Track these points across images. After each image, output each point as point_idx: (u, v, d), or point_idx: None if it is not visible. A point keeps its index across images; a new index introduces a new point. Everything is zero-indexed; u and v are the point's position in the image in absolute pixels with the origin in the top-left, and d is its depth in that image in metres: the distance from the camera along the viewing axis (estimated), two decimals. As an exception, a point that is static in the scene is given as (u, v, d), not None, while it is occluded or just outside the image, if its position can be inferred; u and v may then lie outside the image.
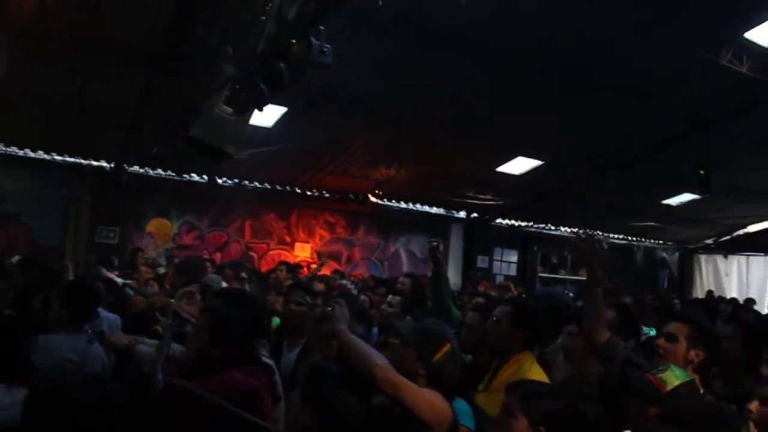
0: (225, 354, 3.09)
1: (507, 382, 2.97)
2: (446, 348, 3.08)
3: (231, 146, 6.49)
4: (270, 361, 3.72)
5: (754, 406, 2.66)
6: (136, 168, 12.09)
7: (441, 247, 5.23)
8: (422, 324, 3.28)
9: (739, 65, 8.45)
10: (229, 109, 6.03)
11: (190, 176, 12.64)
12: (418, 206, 15.39)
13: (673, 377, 2.71)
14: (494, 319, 3.93)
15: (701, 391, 2.98)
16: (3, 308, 6.64)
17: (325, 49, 4.42)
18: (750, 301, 14.20)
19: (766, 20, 7.91)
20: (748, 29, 8.08)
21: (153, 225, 13.29)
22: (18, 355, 3.18)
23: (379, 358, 2.80)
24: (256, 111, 5.97)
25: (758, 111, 9.63)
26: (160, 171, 12.33)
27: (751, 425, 2.84)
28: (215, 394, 2.65)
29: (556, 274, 18.33)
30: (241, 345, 3.18)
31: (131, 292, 6.42)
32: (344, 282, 8.10)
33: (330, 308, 2.94)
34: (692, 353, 3.33)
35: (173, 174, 12.40)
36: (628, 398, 2.83)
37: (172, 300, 4.93)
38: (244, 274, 8.36)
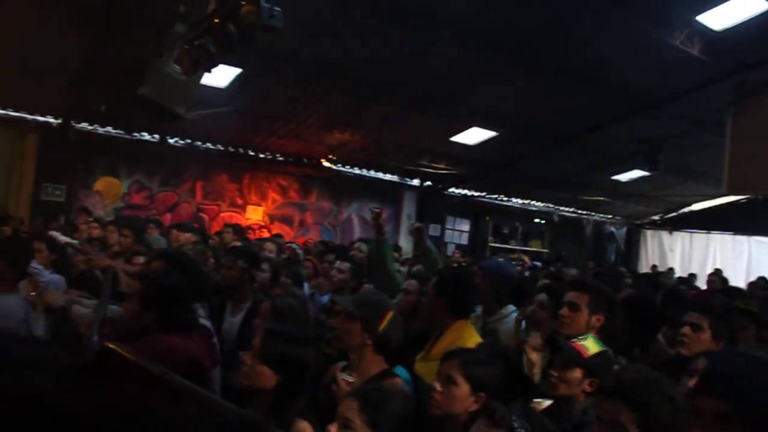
0: (158, 320, 3.07)
1: (445, 351, 3.03)
2: (389, 316, 3.19)
3: (181, 106, 6.42)
4: (207, 323, 3.71)
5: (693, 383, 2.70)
6: (84, 125, 11.80)
7: (384, 215, 5.26)
8: (363, 296, 3.37)
9: (690, 47, 8.61)
10: (179, 69, 5.94)
11: (141, 135, 12.38)
12: (372, 173, 15.38)
13: (593, 345, 2.93)
14: (425, 290, 4.02)
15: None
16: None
17: (275, 12, 4.36)
18: (692, 277, 14.58)
19: (717, 5, 8.09)
20: (701, 13, 8.25)
21: (101, 183, 13.00)
22: None
23: None
24: (207, 72, 5.91)
25: (706, 93, 9.82)
26: (109, 129, 12.04)
27: None
28: (151, 358, 2.63)
29: (507, 244, 18.55)
30: (175, 311, 3.16)
31: (73, 252, 6.30)
32: (292, 245, 8.09)
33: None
34: (593, 319, 3.53)
35: (123, 132, 12.14)
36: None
37: (111, 261, 4.87)
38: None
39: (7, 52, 8.80)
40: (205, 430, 1.38)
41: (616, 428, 2.12)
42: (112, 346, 2.59)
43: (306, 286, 6.24)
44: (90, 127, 11.88)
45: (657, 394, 2.17)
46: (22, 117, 11.54)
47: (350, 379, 2.96)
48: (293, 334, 2.91)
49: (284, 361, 2.72)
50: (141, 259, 5.19)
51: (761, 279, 11.56)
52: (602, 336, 3.35)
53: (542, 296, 4.22)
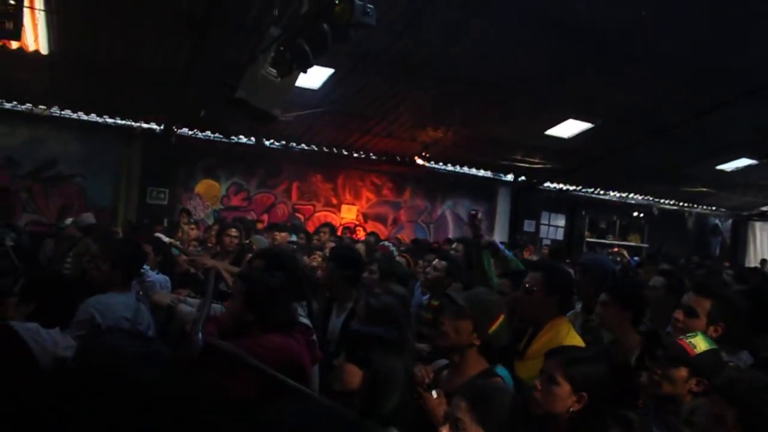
0: (259, 319, 3.14)
1: (543, 349, 2.97)
2: (501, 320, 3.12)
3: (276, 108, 6.54)
4: (307, 321, 3.76)
5: None
6: (185, 130, 12.24)
7: (480, 216, 5.18)
8: (477, 295, 3.25)
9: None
10: (275, 71, 6.06)
11: (238, 138, 12.76)
12: (465, 169, 15.30)
13: (702, 343, 2.79)
14: (526, 286, 3.85)
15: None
16: (61, 267, 6.90)
17: (369, 10, 4.37)
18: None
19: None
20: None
21: (201, 186, 13.48)
22: (70, 308, 3.43)
23: None
24: (302, 73, 5.99)
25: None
26: (208, 133, 12.47)
27: None
28: (254, 355, 2.69)
29: (604, 239, 18.09)
30: (276, 311, 3.22)
31: (177, 252, 6.51)
32: (386, 243, 8.14)
33: None
34: (711, 330, 3.28)
35: (221, 136, 12.54)
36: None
37: (212, 260, 5.00)
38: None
39: (113, 64, 9.23)
40: (304, 425, 1.40)
41: (717, 423, 2.07)
42: (217, 342, 2.67)
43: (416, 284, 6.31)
44: (190, 132, 12.34)
45: (765, 395, 2.09)
46: (129, 125, 12.11)
47: (435, 395, 2.91)
48: (378, 334, 2.87)
49: (369, 361, 2.69)
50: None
51: None
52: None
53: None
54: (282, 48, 5.42)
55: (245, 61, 6.49)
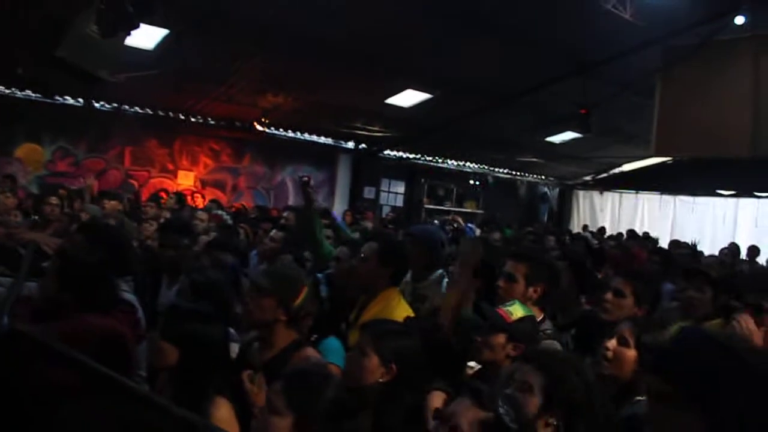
0: (76, 299, 2.92)
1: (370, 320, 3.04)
2: (305, 292, 3.19)
3: (103, 69, 6.14)
4: (131, 297, 3.58)
5: (611, 344, 2.79)
6: (1, 89, 11.24)
7: (312, 182, 5.18)
8: (278, 271, 3.35)
9: (623, 11, 8.67)
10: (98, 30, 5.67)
11: (64, 99, 11.86)
12: (306, 135, 15.17)
13: (519, 310, 3.00)
14: (362, 256, 3.95)
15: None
16: None
17: (199, -28, 4.17)
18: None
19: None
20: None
21: (22, 150, 12.45)
22: None
23: None
24: (135, 32, 5.65)
25: (637, 56, 9.97)
26: (29, 92, 11.49)
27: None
28: (67, 340, 2.51)
29: (442, 205, 18.68)
30: (96, 289, 3.01)
31: (-7, 223, 6.00)
32: (220, 212, 7.99)
33: None
34: (530, 291, 3.57)
35: (43, 96, 11.60)
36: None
37: (32, 233, 4.65)
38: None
39: None
40: (114, 419, 1.30)
41: (524, 389, 2.19)
42: (20, 328, 2.46)
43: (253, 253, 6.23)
44: (8, 91, 11.32)
45: (567, 366, 2.27)
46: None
47: (255, 388, 2.90)
48: (196, 310, 2.85)
49: (184, 338, 2.68)
50: None
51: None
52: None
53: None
54: (104, 6, 5.08)
55: (68, 17, 6.04)
